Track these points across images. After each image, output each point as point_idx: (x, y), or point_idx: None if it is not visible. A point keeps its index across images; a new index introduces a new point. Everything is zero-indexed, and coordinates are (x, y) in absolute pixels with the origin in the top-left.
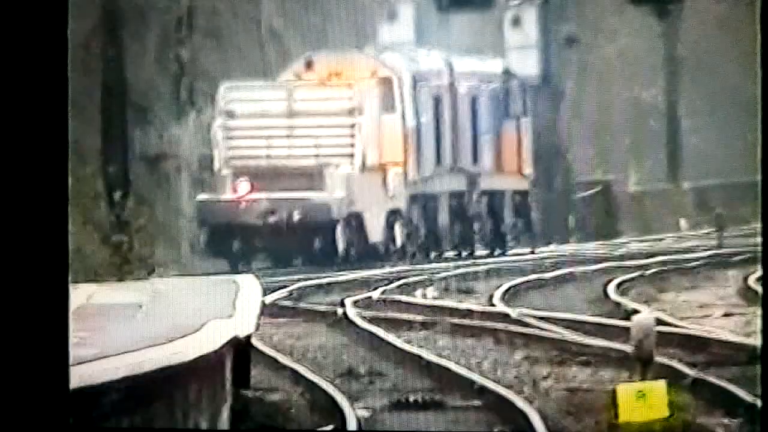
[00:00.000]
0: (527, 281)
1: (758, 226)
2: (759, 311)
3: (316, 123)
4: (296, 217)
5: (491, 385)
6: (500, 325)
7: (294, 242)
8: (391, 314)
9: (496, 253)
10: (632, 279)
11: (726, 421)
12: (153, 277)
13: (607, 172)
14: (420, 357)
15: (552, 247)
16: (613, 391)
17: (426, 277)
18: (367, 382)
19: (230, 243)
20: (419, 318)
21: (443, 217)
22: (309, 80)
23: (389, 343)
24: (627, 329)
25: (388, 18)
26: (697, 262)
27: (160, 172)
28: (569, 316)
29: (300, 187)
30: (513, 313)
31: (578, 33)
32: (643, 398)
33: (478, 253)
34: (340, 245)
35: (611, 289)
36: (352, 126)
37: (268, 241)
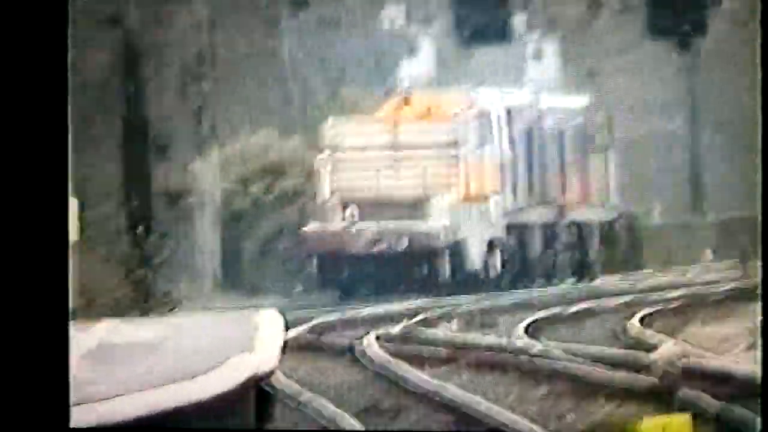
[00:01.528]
0: (550, 315)
1: None
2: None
3: (420, 155)
4: (403, 245)
5: (516, 419)
6: (523, 360)
7: (400, 270)
8: (413, 348)
9: (582, 282)
10: (655, 311)
11: None
12: (175, 312)
13: (631, 204)
14: (442, 392)
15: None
16: (638, 425)
17: (449, 310)
18: (390, 417)
19: (339, 271)
20: (442, 352)
21: (535, 247)
22: (409, 115)
23: (412, 378)
24: (651, 362)
25: (409, 53)
26: (721, 295)
27: (181, 207)
28: (592, 349)
29: (405, 217)
30: (536, 347)
31: (598, 66)
32: (668, 431)
33: (567, 281)
34: (447, 272)
35: (634, 321)
36: (454, 157)
37: (375, 268)
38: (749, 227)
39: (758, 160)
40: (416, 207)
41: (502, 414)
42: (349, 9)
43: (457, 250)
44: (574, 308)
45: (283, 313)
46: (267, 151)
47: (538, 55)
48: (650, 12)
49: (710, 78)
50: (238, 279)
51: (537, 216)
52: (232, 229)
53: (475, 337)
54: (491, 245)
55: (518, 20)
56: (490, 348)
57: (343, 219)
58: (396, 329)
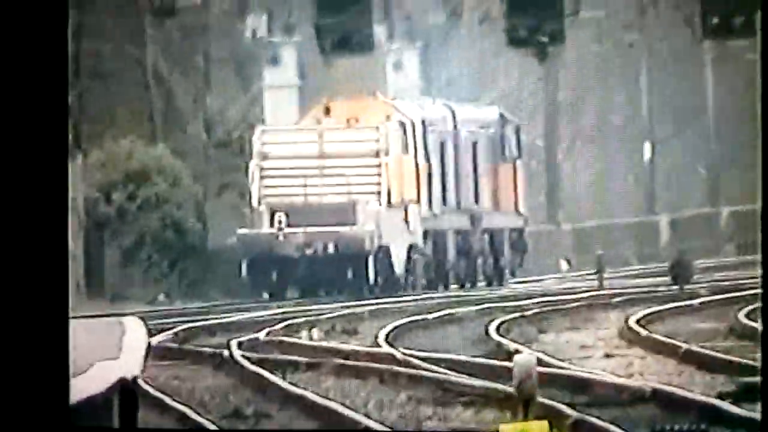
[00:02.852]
0: (411, 322)
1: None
2: (641, 354)
3: (345, 164)
4: (331, 249)
5: (375, 425)
6: (385, 366)
7: (328, 273)
8: (276, 355)
9: (494, 286)
10: (513, 319)
11: None
12: None
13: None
14: (305, 398)
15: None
16: (496, 431)
17: (311, 318)
18: (253, 423)
19: (269, 274)
20: (304, 359)
21: (451, 253)
22: (332, 125)
23: (274, 385)
24: (509, 369)
25: (272, 62)
26: (578, 303)
27: None
28: (452, 356)
29: (332, 223)
30: (397, 353)
31: (458, 76)
32: None
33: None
34: (371, 276)
35: (492, 329)
36: (379, 165)
37: (304, 272)
38: (606, 236)
39: (758, 160)
40: (343, 213)
41: (363, 420)
42: (213, 18)
43: (381, 255)
44: (434, 315)
45: (144, 320)
46: (131, 158)
47: (398, 65)
48: (509, 22)
49: (570, 87)
50: (101, 286)
51: (451, 223)
52: (95, 236)
53: (337, 343)
54: (410, 251)
55: (379, 31)
56: (352, 355)
57: (272, 225)
58: (260, 336)
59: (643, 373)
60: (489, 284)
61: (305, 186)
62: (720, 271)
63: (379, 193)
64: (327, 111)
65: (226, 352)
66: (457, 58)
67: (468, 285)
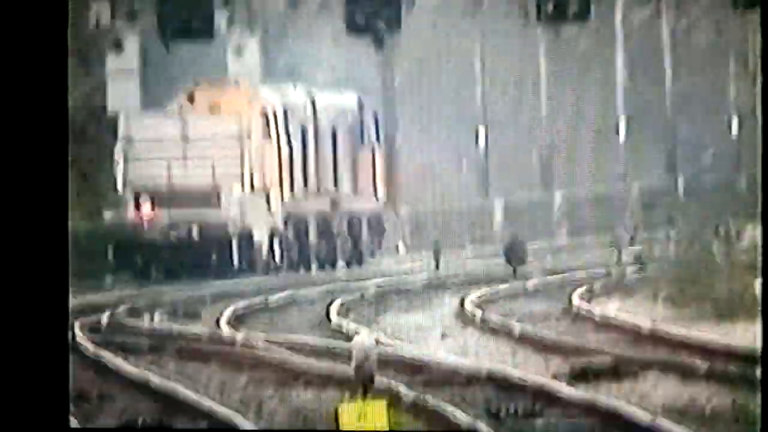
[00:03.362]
0: (252, 305)
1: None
2: (476, 336)
3: (209, 148)
4: (195, 233)
5: (216, 407)
6: (226, 349)
7: (192, 257)
8: (119, 338)
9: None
10: (352, 301)
11: None
12: None
13: None
14: (147, 381)
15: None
16: (335, 411)
17: (152, 301)
18: (96, 405)
19: (134, 258)
20: (147, 342)
21: (312, 235)
22: (195, 110)
23: (117, 367)
24: (349, 351)
25: (114, 48)
26: (414, 285)
27: None
28: (293, 338)
29: (197, 206)
30: (238, 336)
31: (299, 63)
32: (364, 417)
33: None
34: (235, 259)
35: (332, 311)
36: (241, 151)
37: (169, 255)
38: (439, 222)
39: (758, 160)
40: (208, 197)
41: (204, 401)
42: None
43: (243, 239)
44: (275, 297)
45: None
46: None
47: (239, 51)
48: (347, 9)
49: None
50: None
51: (311, 207)
52: None
53: (179, 326)
54: (273, 234)
55: (220, 16)
56: (194, 338)
57: (137, 208)
58: (103, 319)
59: (478, 354)
60: (348, 265)
61: (169, 170)
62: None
63: (242, 177)
64: (190, 98)
65: (69, 335)
66: (297, 44)
67: (328, 266)
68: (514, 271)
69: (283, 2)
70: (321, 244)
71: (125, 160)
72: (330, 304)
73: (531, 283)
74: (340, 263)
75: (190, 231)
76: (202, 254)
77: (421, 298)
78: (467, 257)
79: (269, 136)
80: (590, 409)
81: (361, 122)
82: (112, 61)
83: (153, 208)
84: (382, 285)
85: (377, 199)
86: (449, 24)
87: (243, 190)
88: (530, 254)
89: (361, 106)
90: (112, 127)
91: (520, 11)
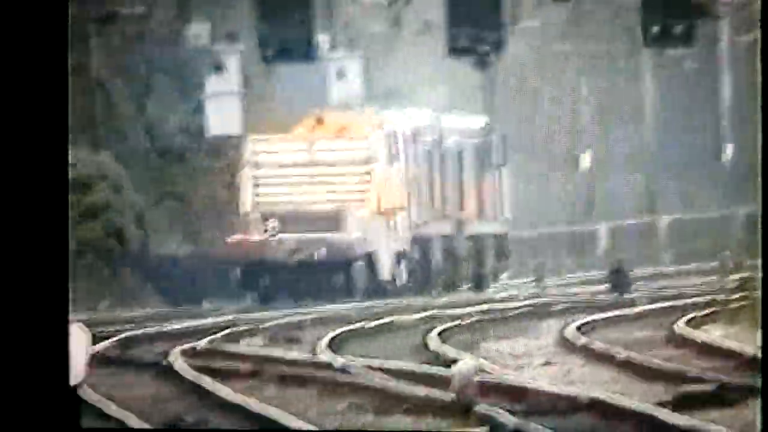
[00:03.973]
0: (351, 330)
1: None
2: (579, 363)
3: (335, 171)
4: (321, 255)
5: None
6: (325, 374)
7: (318, 278)
8: (218, 364)
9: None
10: (452, 328)
11: None
12: None
13: None
14: (246, 406)
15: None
16: None
17: (252, 326)
18: (195, 430)
19: (260, 279)
20: (246, 367)
21: (437, 258)
22: (323, 134)
23: (216, 393)
24: (448, 377)
25: (215, 69)
26: (517, 311)
27: None
28: (392, 364)
29: (323, 229)
30: (337, 362)
31: (401, 85)
32: None
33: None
34: (359, 282)
35: (432, 337)
36: (367, 173)
37: (295, 277)
38: (543, 245)
39: (758, 159)
40: (333, 220)
41: (304, 427)
42: (156, 25)
43: (369, 261)
44: (375, 323)
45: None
46: (74, 165)
47: (341, 74)
48: (450, 32)
49: (509, 95)
50: None
51: (437, 229)
52: None
53: (279, 351)
54: (398, 257)
55: (321, 39)
56: (293, 362)
57: (265, 231)
58: (202, 343)
59: (581, 381)
60: (474, 289)
61: (296, 194)
62: (658, 279)
63: (368, 200)
64: (319, 121)
65: (168, 360)
66: (399, 67)
67: (453, 290)
68: (619, 296)
69: (386, 24)
70: (445, 267)
71: (254, 185)
72: (429, 330)
73: (635, 310)
74: (464, 287)
75: (316, 253)
76: (327, 276)
77: (523, 325)
78: (571, 282)
79: (396, 159)
80: None
81: (488, 144)
82: (211, 83)
83: (280, 231)
84: (483, 311)
85: (502, 222)
86: (550, 47)
87: (369, 213)
88: (635, 279)
89: (490, 129)
90: (214, 149)
91: (625, 33)
